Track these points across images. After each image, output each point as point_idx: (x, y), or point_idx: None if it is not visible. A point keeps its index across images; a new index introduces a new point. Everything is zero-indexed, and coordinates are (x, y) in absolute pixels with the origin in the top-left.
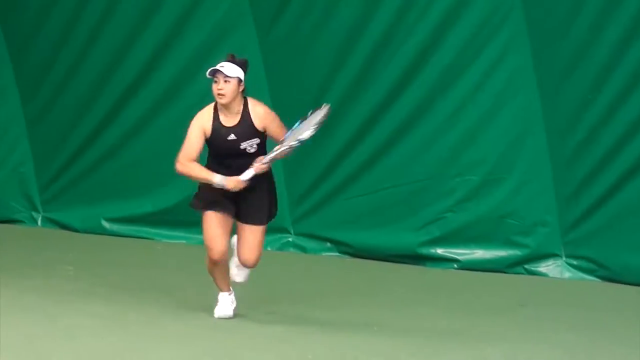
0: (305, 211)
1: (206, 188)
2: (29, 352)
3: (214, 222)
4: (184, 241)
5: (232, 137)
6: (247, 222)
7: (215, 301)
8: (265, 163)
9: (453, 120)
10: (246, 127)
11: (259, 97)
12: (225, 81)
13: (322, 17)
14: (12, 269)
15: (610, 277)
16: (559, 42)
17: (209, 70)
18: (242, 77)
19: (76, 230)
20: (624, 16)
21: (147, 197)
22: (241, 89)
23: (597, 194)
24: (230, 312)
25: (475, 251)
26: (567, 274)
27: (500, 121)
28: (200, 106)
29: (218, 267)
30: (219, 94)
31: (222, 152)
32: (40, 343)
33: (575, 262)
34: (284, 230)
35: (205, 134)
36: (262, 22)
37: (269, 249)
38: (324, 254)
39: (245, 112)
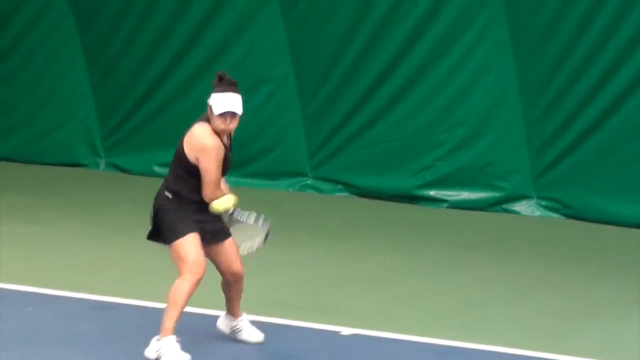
0: (321, 158)
1: (178, 216)
2: (91, 273)
3: (195, 242)
4: None
5: (229, 155)
6: (221, 240)
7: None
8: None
9: (444, 85)
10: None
11: (281, 68)
12: (233, 116)
13: None
14: (78, 206)
15: (573, 215)
16: (532, 20)
17: (224, 111)
18: None
19: (132, 173)
20: None
21: None
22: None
23: (561, 147)
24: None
25: (461, 193)
26: (537, 212)
27: (482, 86)
28: (239, 68)
29: (192, 292)
30: (227, 129)
31: (223, 172)
32: (100, 264)
33: (544, 203)
34: (303, 175)
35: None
36: (285, 1)
37: (290, 190)
38: (336, 194)
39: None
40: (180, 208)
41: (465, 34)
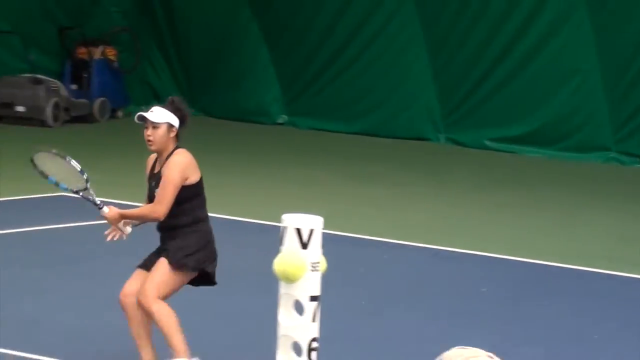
0: (623, 135)
1: None
2: (433, 228)
3: (133, 275)
4: (541, 156)
5: (154, 183)
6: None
7: None
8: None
9: None
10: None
11: (588, 61)
12: (154, 127)
13: None
14: (424, 173)
15: None
16: None
17: (137, 115)
18: (174, 122)
19: (466, 146)
20: None
21: (513, 125)
22: (172, 134)
23: None
24: None
25: None
26: None
27: None
28: (554, 62)
29: (129, 318)
30: (147, 141)
31: (152, 200)
32: (437, 218)
33: None
34: (607, 148)
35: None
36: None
37: (597, 161)
38: (635, 165)
39: (168, 160)
40: None
41: None
